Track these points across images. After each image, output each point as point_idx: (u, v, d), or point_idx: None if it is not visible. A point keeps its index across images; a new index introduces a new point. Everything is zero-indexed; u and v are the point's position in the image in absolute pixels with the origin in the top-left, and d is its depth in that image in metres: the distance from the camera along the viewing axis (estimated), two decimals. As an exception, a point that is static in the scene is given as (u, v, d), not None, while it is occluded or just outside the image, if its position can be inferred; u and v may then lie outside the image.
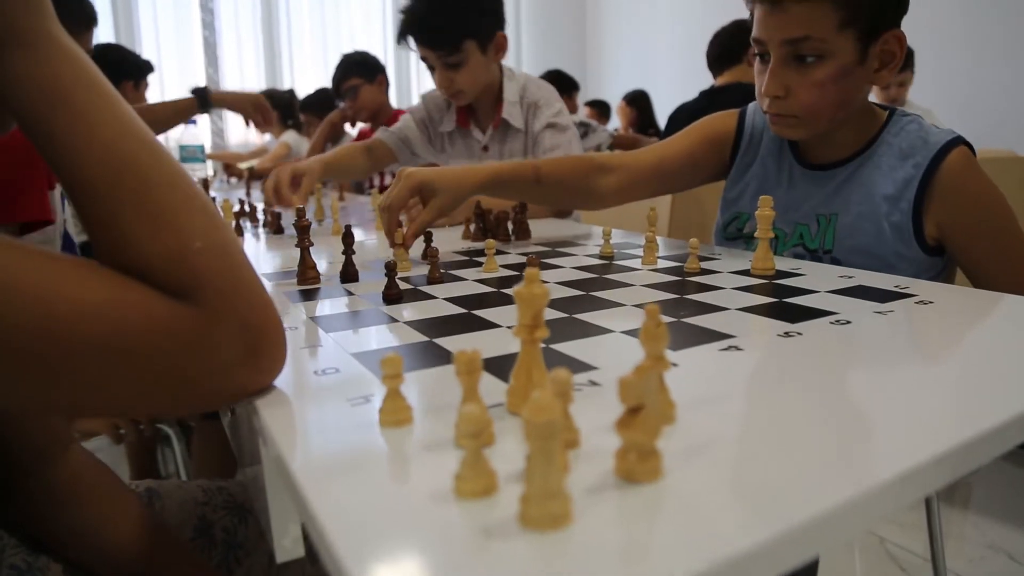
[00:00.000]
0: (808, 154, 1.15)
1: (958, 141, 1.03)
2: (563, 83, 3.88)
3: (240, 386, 0.50)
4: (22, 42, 0.49)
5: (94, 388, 0.46)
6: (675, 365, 0.57)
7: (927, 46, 3.37)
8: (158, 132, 2.26)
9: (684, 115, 2.73)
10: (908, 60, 3.29)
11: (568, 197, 1.24)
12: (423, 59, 1.71)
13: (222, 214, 1.31)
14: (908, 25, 1.02)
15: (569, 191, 1.21)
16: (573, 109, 3.96)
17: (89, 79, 0.51)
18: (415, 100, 5.69)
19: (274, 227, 1.48)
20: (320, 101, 3.78)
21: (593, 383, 0.54)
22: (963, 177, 1.02)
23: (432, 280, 0.91)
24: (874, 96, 3.30)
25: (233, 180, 3.32)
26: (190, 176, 0.53)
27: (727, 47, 2.61)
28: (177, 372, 0.47)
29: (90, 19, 1.44)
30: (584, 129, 3.03)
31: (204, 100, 1.99)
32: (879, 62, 1.02)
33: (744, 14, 1.10)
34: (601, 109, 5.02)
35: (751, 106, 1.24)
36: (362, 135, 2.98)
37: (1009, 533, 1.82)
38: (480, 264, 1.04)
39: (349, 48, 2.99)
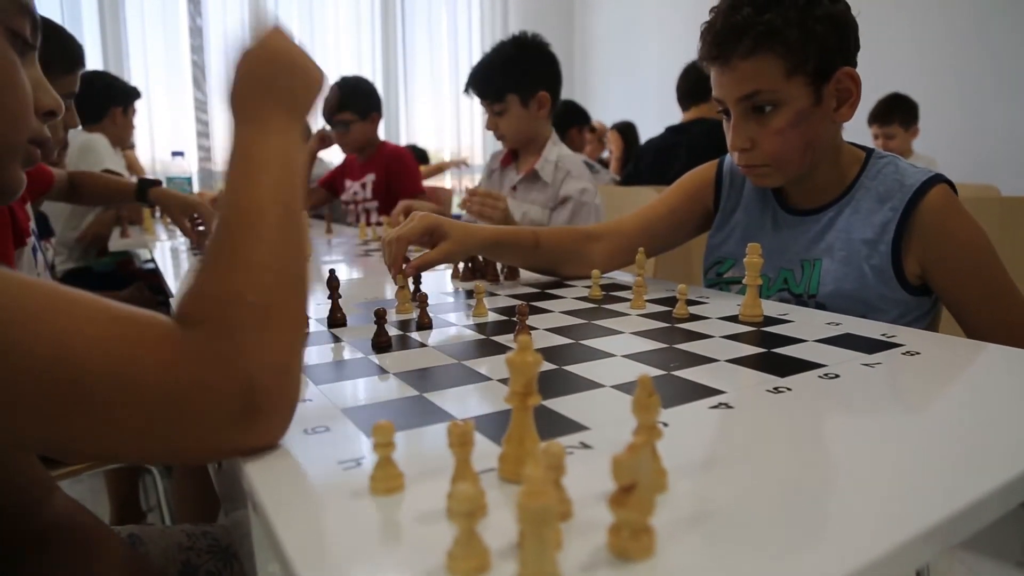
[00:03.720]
0: (791, 199, 1.17)
1: (936, 180, 1.04)
2: (574, 115, 3.85)
3: (232, 438, 0.50)
4: (269, 121, 0.61)
5: (90, 423, 0.46)
6: (665, 425, 0.57)
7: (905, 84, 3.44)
8: (92, 203, 2.25)
9: (651, 151, 2.74)
10: (912, 112, 3.36)
11: (563, 263, 1.26)
12: (482, 105, 2.08)
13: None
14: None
15: (564, 257, 1.25)
16: (582, 145, 3.88)
17: (275, 160, 0.59)
18: (403, 127, 5.73)
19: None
20: None
21: (585, 445, 0.54)
22: (943, 216, 1.03)
23: (421, 326, 0.91)
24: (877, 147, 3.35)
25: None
26: (302, 255, 0.58)
27: (695, 84, 2.64)
28: (171, 411, 0.46)
29: (75, 61, 1.46)
30: (589, 170, 3.02)
31: (143, 192, 1.98)
32: (836, 100, 1.06)
33: None
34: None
35: (729, 155, 1.26)
36: (348, 163, 2.98)
37: (994, 567, 1.82)
38: (470, 307, 1.04)
39: (338, 73, 2.95)
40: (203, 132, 4.99)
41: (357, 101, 2.76)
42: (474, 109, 5.65)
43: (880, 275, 1.05)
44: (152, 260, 2.08)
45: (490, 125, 2.07)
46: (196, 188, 4.51)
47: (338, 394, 0.66)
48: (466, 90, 2.09)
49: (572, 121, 3.82)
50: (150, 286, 2.27)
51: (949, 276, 1.04)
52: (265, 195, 0.57)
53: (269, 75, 0.63)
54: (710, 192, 1.27)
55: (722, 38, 1.04)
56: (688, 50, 2.72)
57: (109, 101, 2.74)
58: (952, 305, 1.06)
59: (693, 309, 0.99)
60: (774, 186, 1.16)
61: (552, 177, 1.99)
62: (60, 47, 1.43)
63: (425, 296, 0.93)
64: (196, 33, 4.93)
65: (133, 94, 2.90)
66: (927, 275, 1.05)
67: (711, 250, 1.27)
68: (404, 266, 1.05)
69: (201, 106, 4.96)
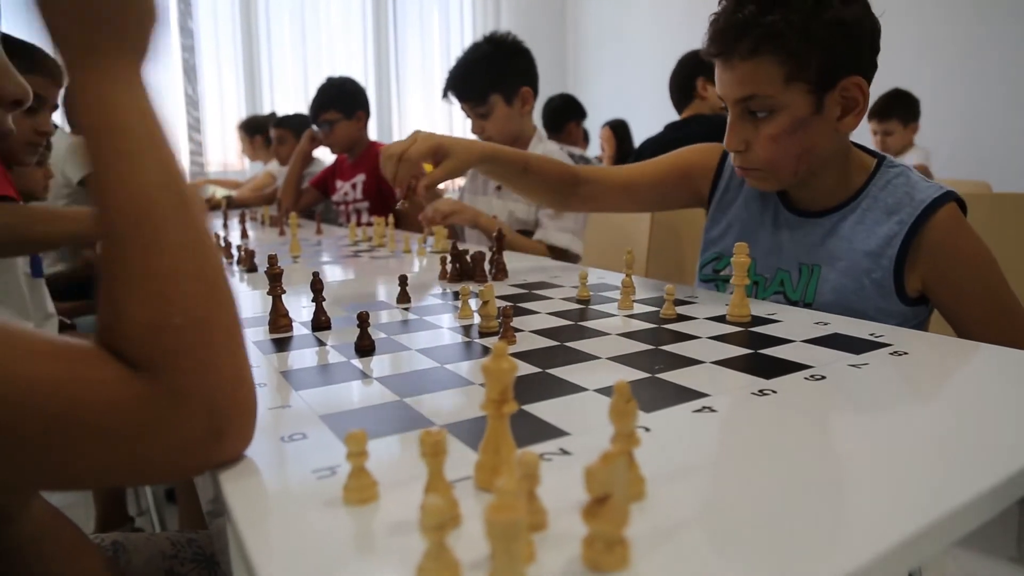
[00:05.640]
0: (794, 200, 1.14)
1: (947, 197, 1.01)
2: (571, 110, 3.86)
3: (201, 463, 0.49)
4: (114, 68, 0.51)
5: (45, 465, 0.44)
6: (647, 430, 0.56)
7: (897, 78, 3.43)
8: None
9: (650, 149, 2.74)
10: (913, 109, 3.37)
11: (546, 193, 1.30)
12: (463, 110, 2.03)
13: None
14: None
15: (549, 187, 1.28)
16: (578, 139, 3.89)
17: (147, 128, 0.50)
18: (396, 127, 5.71)
19: (247, 264, 1.47)
20: (299, 121, 3.75)
21: (564, 451, 0.53)
22: (952, 235, 1.01)
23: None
24: (873, 144, 3.34)
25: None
26: (210, 239, 0.50)
27: (685, 83, 2.64)
28: (133, 450, 0.45)
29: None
30: (578, 161, 3.03)
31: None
32: (840, 109, 1.01)
33: None
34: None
35: None
36: (339, 163, 2.97)
37: (988, 564, 1.82)
38: (456, 308, 1.03)
39: (330, 71, 2.95)
40: (194, 126, 4.96)
41: (342, 100, 2.76)
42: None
43: (880, 289, 1.03)
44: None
45: (475, 129, 2.02)
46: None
47: (318, 400, 0.65)
48: (444, 95, 2.02)
49: (570, 116, 3.83)
50: None
51: (953, 294, 1.02)
52: (152, 182, 0.48)
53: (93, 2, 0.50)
54: (708, 178, 1.24)
55: (723, 35, 1.00)
56: (681, 47, 2.72)
57: None
58: (955, 322, 1.04)
59: (682, 309, 0.98)
60: (769, 190, 1.13)
61: None
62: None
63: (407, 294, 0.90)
64: (187, 31, 4.90)
65: None
66: (930, 292, 1.03)
67: (708, 244, 1.25)
68: (414, 185, 1.13)
69: (192, 102, 4.94)
